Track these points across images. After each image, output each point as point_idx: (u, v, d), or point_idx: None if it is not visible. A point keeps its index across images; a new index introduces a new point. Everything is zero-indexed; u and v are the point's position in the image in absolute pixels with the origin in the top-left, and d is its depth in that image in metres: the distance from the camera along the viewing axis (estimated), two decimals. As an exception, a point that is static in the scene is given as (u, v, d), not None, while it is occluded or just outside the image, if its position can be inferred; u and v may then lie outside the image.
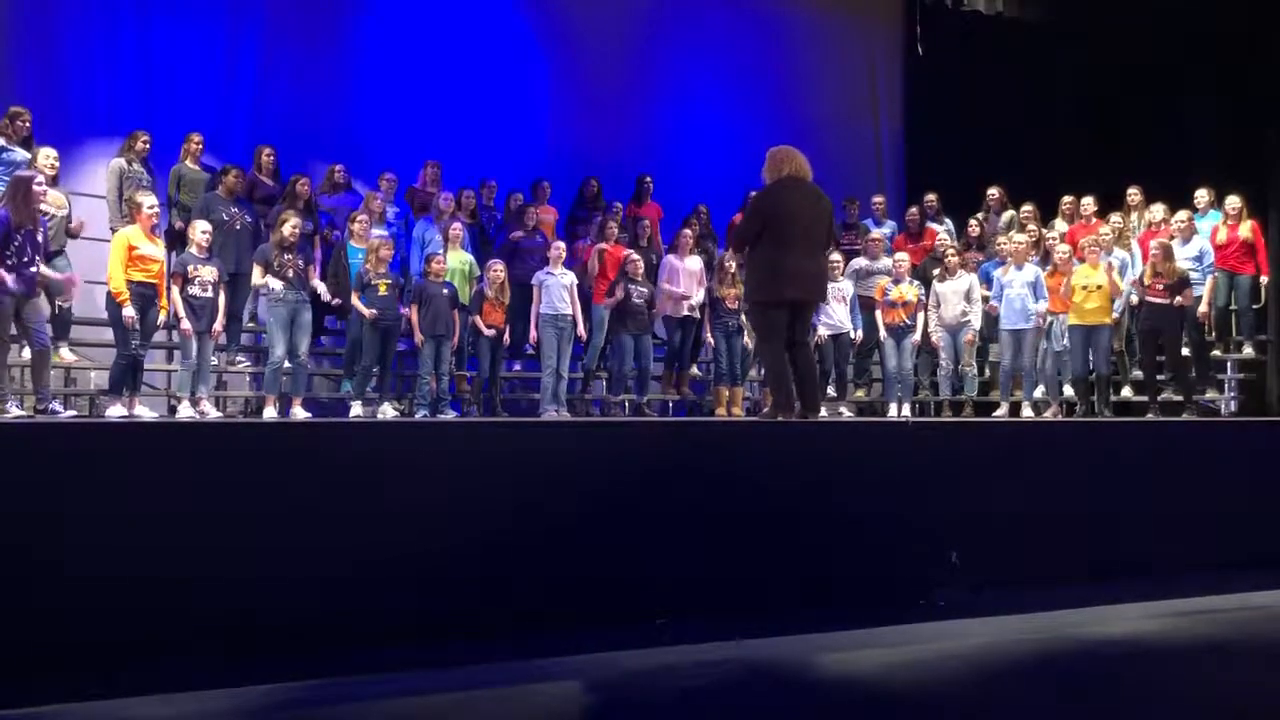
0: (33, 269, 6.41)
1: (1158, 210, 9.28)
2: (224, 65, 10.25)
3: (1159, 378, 8.49)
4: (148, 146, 8.29)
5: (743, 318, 8.84)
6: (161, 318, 7.29)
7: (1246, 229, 8.96)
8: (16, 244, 6.25)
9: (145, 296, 7.03)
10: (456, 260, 8.59)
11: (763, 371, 7.78)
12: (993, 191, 10.14)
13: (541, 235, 9.26)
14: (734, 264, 8.85)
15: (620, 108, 11.68)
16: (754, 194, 5.90)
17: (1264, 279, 9.05)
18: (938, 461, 5.26)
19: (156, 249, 7.22)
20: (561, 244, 8.78)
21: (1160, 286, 8.17)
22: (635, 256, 8.82)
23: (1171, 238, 8.80)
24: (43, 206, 6.95)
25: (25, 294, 6.38)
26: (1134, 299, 8.77)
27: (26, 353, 6.84)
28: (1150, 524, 5.66)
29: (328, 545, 4.10)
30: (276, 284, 7.50)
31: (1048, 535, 5.41)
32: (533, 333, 8.44)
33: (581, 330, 8.63)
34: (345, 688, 3.65)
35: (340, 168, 9.29)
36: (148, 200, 7.22)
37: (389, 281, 7.98)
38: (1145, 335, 8.43)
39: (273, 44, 10.44)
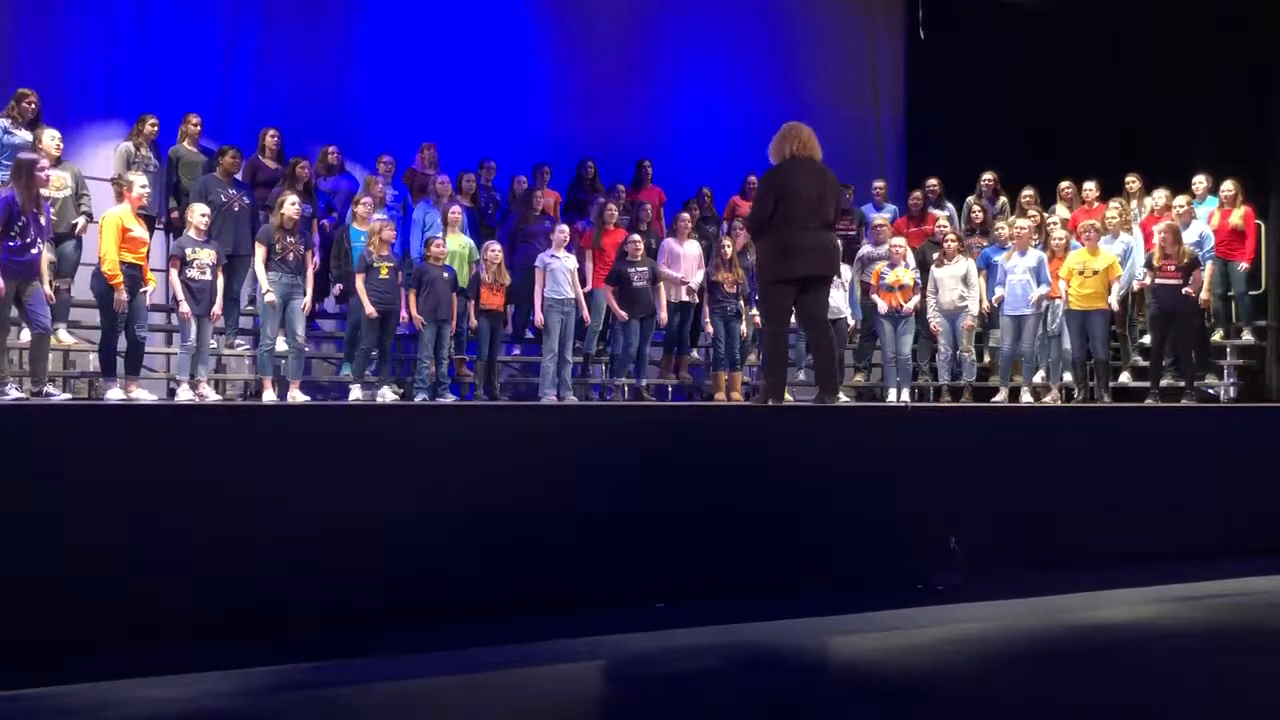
0: (34, 251, 6.39)
1: (1159, 196, 9.25)
2: (222, 47, 10.18)
3: (1164, 362, 8.48)
4: (156, 129, 8.25)
5: (740, 303, 8.84)
6: (149, 288, 7.26)
7: (1238, 216, 8.91)
8: (20, 225, 6.23)
9: (133, 278, 7.00)
10: (455, 244, 8.56)
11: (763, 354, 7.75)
12: (987, 176, 10.11)
13: (548, 219, 9.24)
14: (732, 248, 8.83)
15: (620, 90, 11.62)
16: (762, 176, 5.87)
17: (1243, 265, 9.01)
18: (937, 446, 5.27)
19: (143, 229, 7.20)
20: (565, 227, 8.75)
21: (1171, 268, 8.14)
22: (635, 238, 8.79)
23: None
24: (45, 191, 6.94)
25: (26, 278, 6.36)
26: (1136, 284, 8.75)
27: (25, 335, 6.82)
28: (1149, 509, 5.68)
29: (328, 527, 4.10)
30: (271, 297, 7.50)
31: (1046, 520, 5.43)
32: (538, 315, 8.42)
33: (586, 314, 8.63)
34: (348, 670, 3.67)
35: (334, 149, 9.22)
36: (139, 180, 7.20)
37: (390, 264, 7.97)
38: (1155, 319, 8.38)
39: (271, 25, 10.37)
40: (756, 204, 5.89)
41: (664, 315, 8.91)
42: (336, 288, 8.30)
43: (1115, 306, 8.43)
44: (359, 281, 7.89)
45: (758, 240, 5.99)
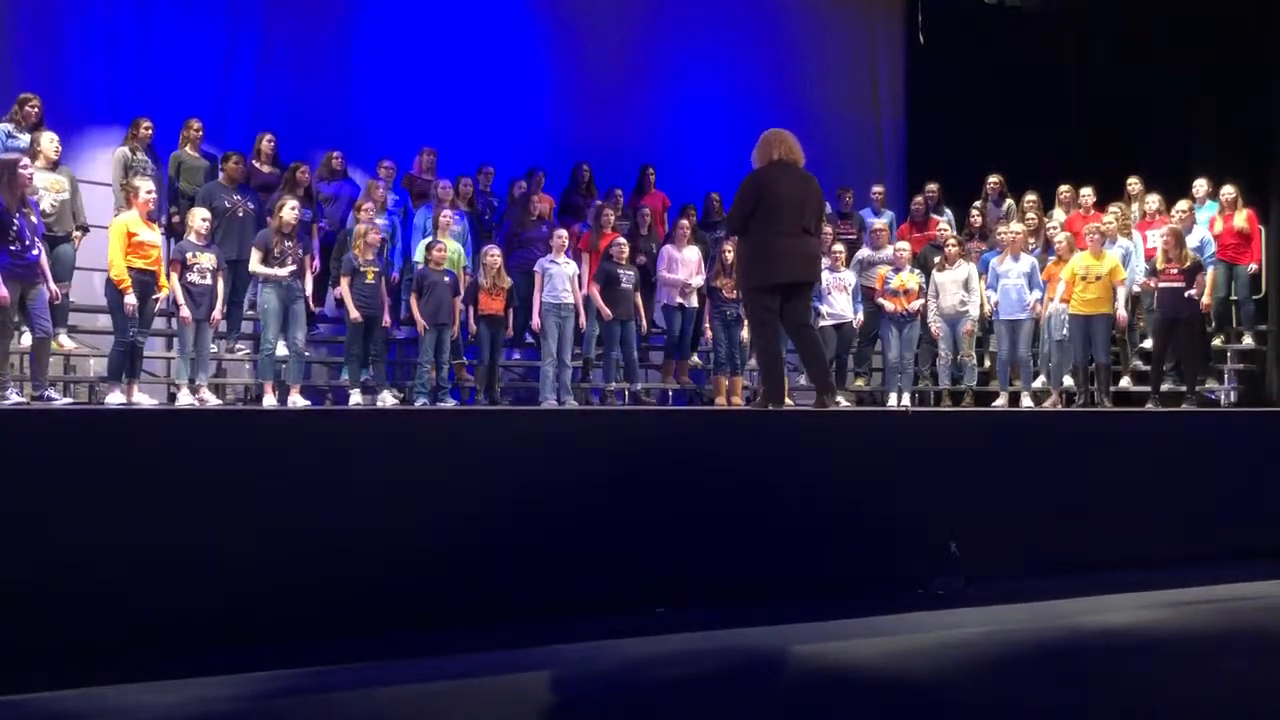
0: (34, 252, 6.39)
1: (1153, 200, 9.27)
2: (223, 51, 10.21)
3: (1165, 367, 8.47)
4: (150, 132, 8.26)
5: (741, 308, 8.83)
6: (161, 295, 7.29)
7: (1242, 218, 8.92)
8: (15, 228, 6.23)
9: (144, 283, 7.03)
10: (448, 248, 8.55)
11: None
12: (992, 180, 10.12)
13: (546, 224, 9.24)
14: (733, 253, 8.83)
15: (620, 95, 11.64)
16: (745, 178, 5.84)
17: (1253, 266, 9.01)
18: (937, 451, 5.26)
19: (154, 234, 7.23)
20: (564, 232, 8.75)
21: (1174, 271, 8.13)
22: (620, 240, 8.80)
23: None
24: (43, 192, 6.97)
25: (30, 280, 6.36)
26: (1135, 288, 8.75)
27: (26, 339, 6.83)
28: (1149, 514, 5.67)
29: (326, 532, 4.10)
30: (282, 270, 7.51)
31: (1046, 525, 5.42)
32: (535, 319, 8.42)
33: (583, 320, 8.63)
34: (345, 674, 3.66)
35: (338, 154, 9.25)
36: (145, 185, 7.22)
37: (376, 269, 7.99)
38: (1159, 323, 8.37)
39: (271, 30, 10.40)
40: (737, 203, 5.79)
41: (644, 323, 8.93)
42: (337, 291, 8.31)
43: (1122, 313, 8.37)
44: (344, 285, 7.90)
45: (737, 240, 5.92)
